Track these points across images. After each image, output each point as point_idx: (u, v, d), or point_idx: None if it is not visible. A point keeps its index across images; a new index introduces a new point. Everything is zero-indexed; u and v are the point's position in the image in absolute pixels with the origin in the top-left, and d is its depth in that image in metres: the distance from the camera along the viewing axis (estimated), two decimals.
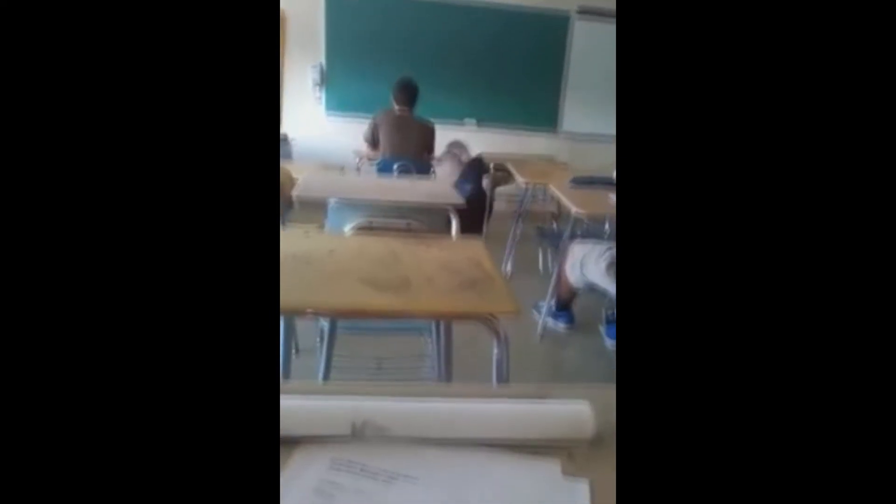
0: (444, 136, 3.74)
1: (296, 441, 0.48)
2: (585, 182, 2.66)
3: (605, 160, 3.96)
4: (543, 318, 2.55)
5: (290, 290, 0.95)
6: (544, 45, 4.75)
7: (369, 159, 3.56)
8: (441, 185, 2.00)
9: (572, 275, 2.26)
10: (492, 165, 3.76)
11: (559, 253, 2.49)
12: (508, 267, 3.32)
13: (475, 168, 3.81)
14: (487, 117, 4.81)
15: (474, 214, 3.75)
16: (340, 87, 4.69)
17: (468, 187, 4.06)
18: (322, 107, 4.75)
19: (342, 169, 2.87)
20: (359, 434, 0.48)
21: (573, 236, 2.47)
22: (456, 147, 4.05)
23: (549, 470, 0.48)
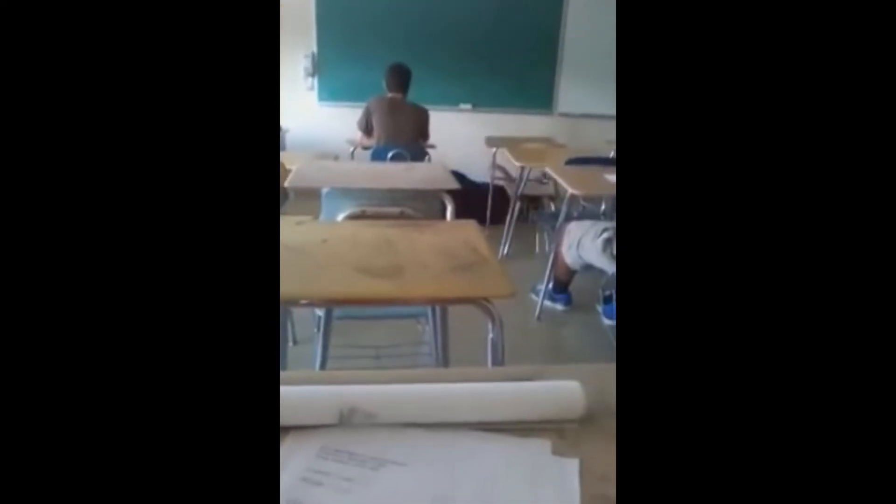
0: (439, 120, 3.71)
1: (284, 430, 0.48)
2: (581, 161, 2.65)
3: (601, 139, 3.95)
4: (541, 299, 2.55)
5: (284, 280, 0.94)
6: (539, 25, 4.69)
7: (364, 147, 3.54)
8: (435, 169, 1.99)
9: (569, 255, 2.26)
10: (494, 152, 3.73)
11: (556, 234, 2.49)
12: (506, 249, 3.32)
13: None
14: (482, 101, 4.77)
15: (478, 206, 3.75)
16: (333, 76, 4.65)
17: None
18: (315, 95, 4.71)
19: (336, 157, 2.86)
20: (347, 421, 0.48)
21: (569, 217, 2.46)
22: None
23: (539, 450, 0.48)
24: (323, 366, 1.48)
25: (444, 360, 1.48)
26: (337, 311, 1.50)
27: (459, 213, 1.65)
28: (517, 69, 4.75)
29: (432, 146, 3.62)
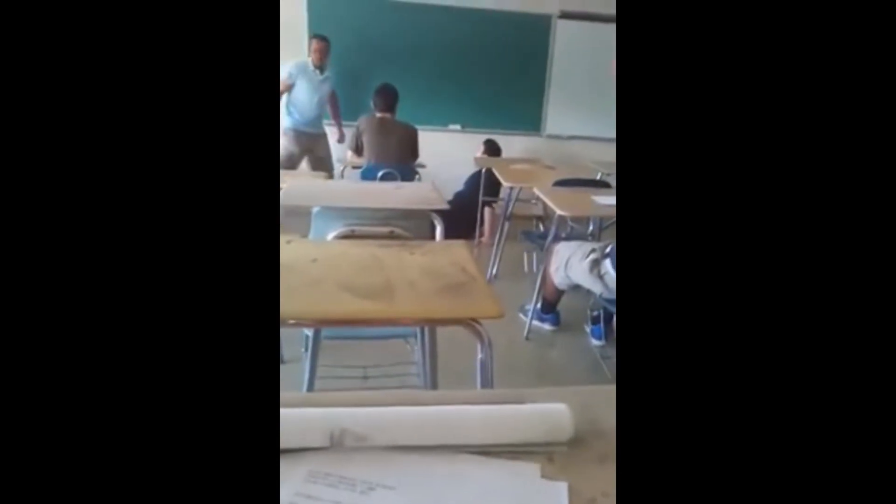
0: (429, 140, 3.75)
1: None
2: (569, 183, 2.68)
3: (589, 161, 4.00)
4: (530, 319, 2.56)
5: None
6: (527, 48, 4.77)
7: (354, 166, 3.56)
8: (425, 189, 2.00)
9: (557, 276, 2.27)
10: (483, 172, 3.76)
11: (544, 254, 2.50)
12: (495, 269, 3.33)
13: (478, 175, 3.84)
14: (472, 121, 4.82)
15: (467, 221, 3.78)
16: None
17: (464, 189, 4.11)
18: None
19: (325, 176, 2.87)
20: (337, 444, 0.48)
21: (557, 238, 2.48)
22: (489, 143, 4.32)
23: (528, 473, 0.48)
24: (311, 386, 1.47)
25: (433, 381, 1.48)
26: (325, 331, 1.50)
27: (448, 233, 1.66)
28: (506, 91, 4.82)
29: (422, 165, 3.65)
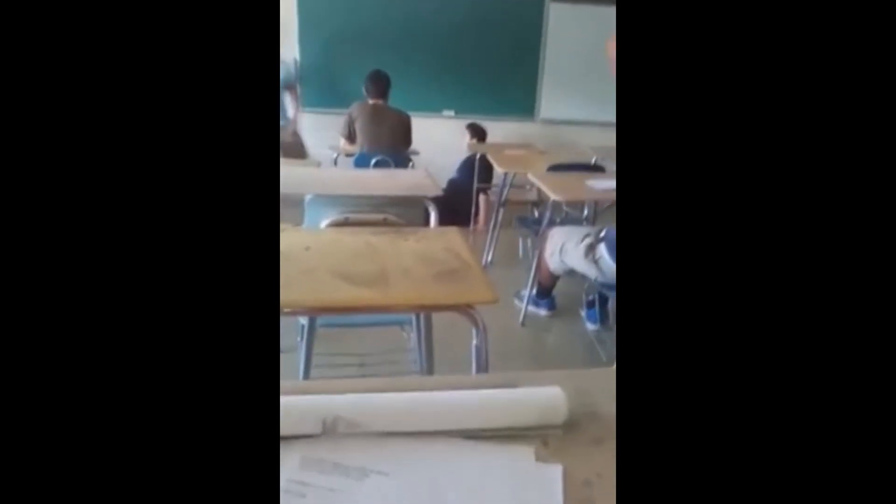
0: (422, 126, 3.72)
1: None
2: (563, 168, 2.67)
3: (583, 145, 3.99)
4: (525, 305, 2.56)
5: None
6: (520, 32, 4.74)
7: (347, 153, 3.53)
8: (418, 176, 1.99)
9: (552, 261, 2.27)
10: (476, 157, 3.74)
11: (539, 240, 2.50)
12: (490, 256, 3.32)
13: (470, 161, 3.83)
14: (466, 107, 4.79)
15: (461, 208, 3.77)
16: (316, 82, 4.64)
17: (457, 176, 4.09)
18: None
19: (319, 164, 2.85)
20: (330, 431, 0.48)
21: (552, 223, 2.48)
22: (474, 127, 4.30)
23: (522, 457, 0.48)
24: (307, 374, 1.47)
25: (429, 368, 1.48)
26: (320, 319, 1.49)
27: (443, 220, 1.66)
28: (499, 76, 4.79)
29: (416, 152, 3.63)
